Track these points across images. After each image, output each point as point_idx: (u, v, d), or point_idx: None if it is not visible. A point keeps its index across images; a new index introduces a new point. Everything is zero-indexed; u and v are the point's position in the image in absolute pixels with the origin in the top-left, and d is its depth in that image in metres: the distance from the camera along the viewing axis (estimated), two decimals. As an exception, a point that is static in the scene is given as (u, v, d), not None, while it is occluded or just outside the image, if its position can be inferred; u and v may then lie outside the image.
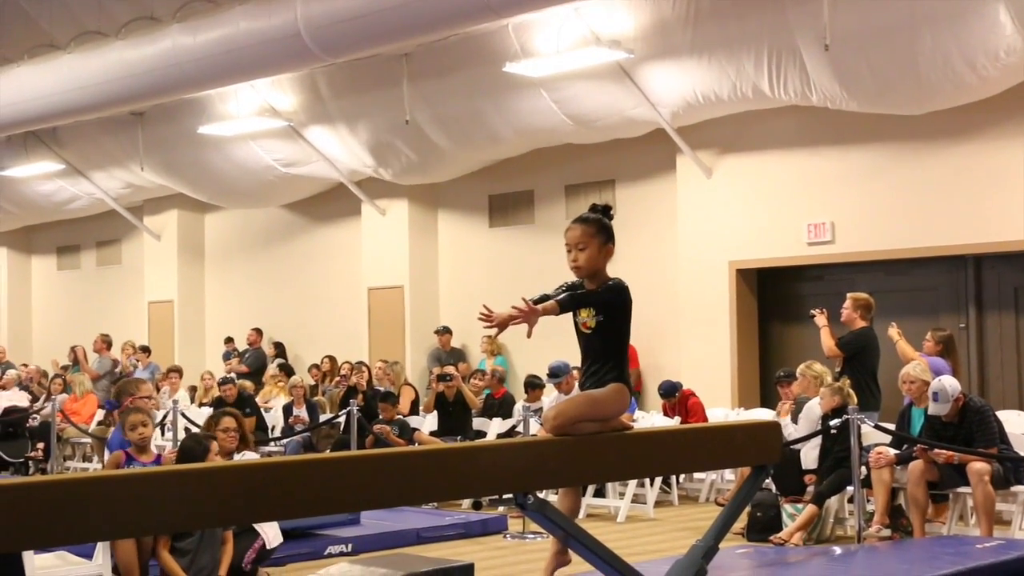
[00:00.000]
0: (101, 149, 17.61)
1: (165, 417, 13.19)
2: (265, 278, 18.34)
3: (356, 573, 6.83)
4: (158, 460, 7.47)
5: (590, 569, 4.82)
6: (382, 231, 16.40)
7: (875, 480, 8.60)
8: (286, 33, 12.05)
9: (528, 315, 4.37)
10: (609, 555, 4.59)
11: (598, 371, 4.65)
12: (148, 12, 14.17)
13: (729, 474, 10.93)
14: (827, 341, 9.87)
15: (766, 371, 13.24)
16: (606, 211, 4.79)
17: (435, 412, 12.49)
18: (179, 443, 9.42)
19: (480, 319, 4.42)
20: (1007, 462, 8.36)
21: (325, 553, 8.56)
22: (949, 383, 8.43)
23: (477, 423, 12.41)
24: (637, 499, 10.46)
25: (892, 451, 8.71)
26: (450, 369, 13.24)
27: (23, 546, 3.42)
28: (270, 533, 7.37)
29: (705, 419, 11.50)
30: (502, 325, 4.41)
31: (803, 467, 9.17)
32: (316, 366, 16.22)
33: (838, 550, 8.15)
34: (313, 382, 15.88)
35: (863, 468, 8.58)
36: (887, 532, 8.57)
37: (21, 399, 15.80)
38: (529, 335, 4.42)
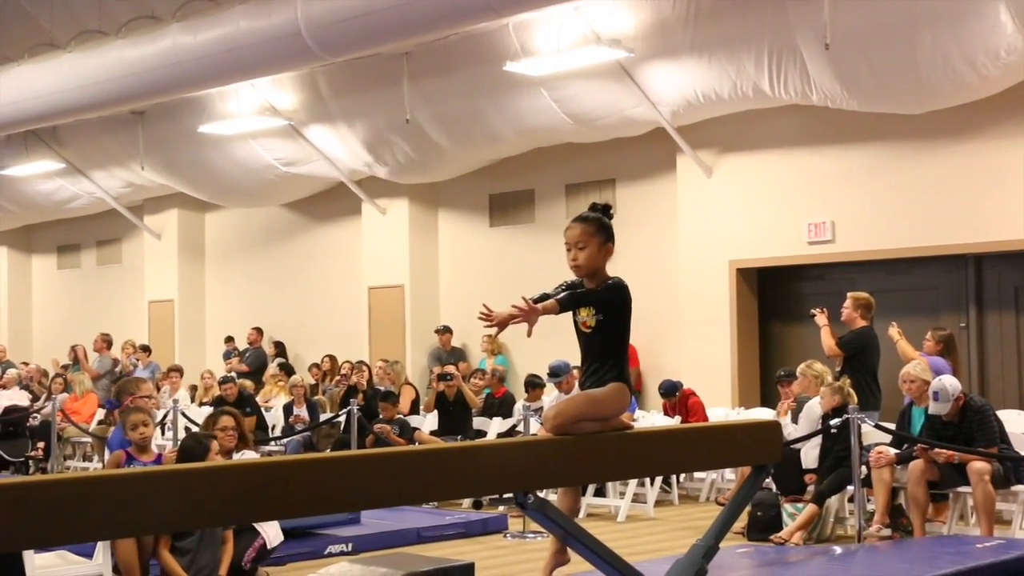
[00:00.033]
0: (101, 148, 17.61)
1: (165, 416, 13.19)
2: (265, 277, 18.34)
3: (356, 572, 6.83)
4: (158, 460, 7.47)
5: (590, 569, 4.82)
6: (382, 230, 16.40)
7: (875, 479, 8.60)
8: (286, 32, 12.05)
9: (528, 314, 4.37)
10: (609, 555, 4.59)
11: (598, 370, 4.65)
12: (148, 11, 14.18)
13: (729, 473, 10.93)
14: (827, 340, 9.87)
15: (766, 370, 13.24)
16: (606, 210, 4.79)
17: (435, 411, 12.49)
18: (179, 442, 9.42)
19: (480, 318, 4.42)
20: (1007, 461, 8.35)
21: (325, 552, 8.56)
22: (949, 382, 8.43)
23: (477, 422, 12.40)
24: (637, 498, 10.46)
25: (892, 450, 8.71)
26: (450, 368, 13.24)
27: (23, 545, 3.43)
28: (270, 532, 7.38)
29: (705, 418, 11.49)
30: (502, 324, 4.41)
31: (803, 466, 9.17)
32: (316, 365, 16.22)
33: (838, 550, 8.15)
34: (313, 381, 15.89)
35: (863, 467, 8.57)
36: (887, 532, 8.57)
37: (21, 398, 15.80)
38: (529, 334, 4.42)
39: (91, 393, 15.07)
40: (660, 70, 12.40)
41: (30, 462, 14.52)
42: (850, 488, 8.66)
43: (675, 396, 11.75)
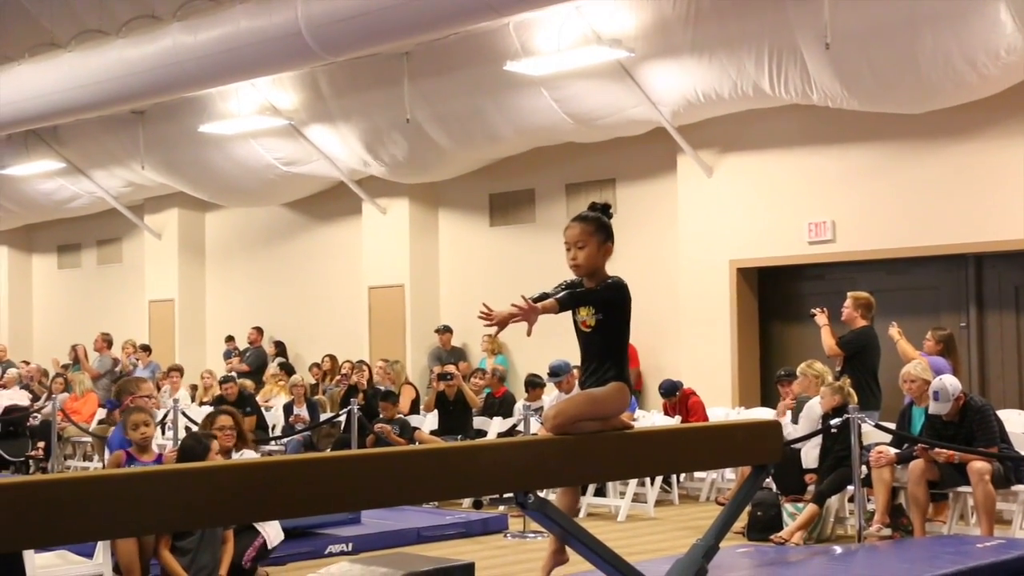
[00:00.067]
0: (102, 148, 17.61)
1: (166, 416, 13.19)
2: (266, 277, 18.34)
3: (356, 572, 6.83)
4: (159, 459, 7.47)
5: (590, 568, 4.82)
6: (383, 230, 16.40)
7: (875, 479, 8.60)
8: (287, 32, 12.05)
9: (528, 313, 4.37)
10: (609, 554, 4.59)
11: (598, 370, 4.65)
12: (149, 11, 14.18)
13: (729, 473, 10.93)
14: (828, 340, 9.86)
15: (766, 370, 13.24)
16: (605, 209, 4.79)
17: (436, 411, 12.49)
18: (180, 442, 9.42)
19: (480, 317, 4.43)
20: (1007, 461, 8.35)
21: (325, 552, 8.56)
22: (950, 382, 8.43)
23: (478, 422, 12.40)
24: (637, 498, 10.46)
25: (892, 450, 8.70)
26: (451, 368, 13.24)
27: (23, 545, 3.43)
28: (271, 532, 7.38)
29: (705, 418, 11.49)
30: (502, 323, 4.41)
31: (803, 466, 9.17)
32: (317, 365, 16.23)
33: (838, 549, 8.14)
34: (314, 381, 15.89)
35: (863, 467, 8.57)
36: (887, 531, 8.57)
37: (22, 398, 15.80)
38: (529, 333, 4.42)
39: (91, 393, 15.07)
40: (660, 70, 12.40)
41: (30, 462, 14.52)
42: (850, 488, 8.66)
43: (675, 396, 11.75)
